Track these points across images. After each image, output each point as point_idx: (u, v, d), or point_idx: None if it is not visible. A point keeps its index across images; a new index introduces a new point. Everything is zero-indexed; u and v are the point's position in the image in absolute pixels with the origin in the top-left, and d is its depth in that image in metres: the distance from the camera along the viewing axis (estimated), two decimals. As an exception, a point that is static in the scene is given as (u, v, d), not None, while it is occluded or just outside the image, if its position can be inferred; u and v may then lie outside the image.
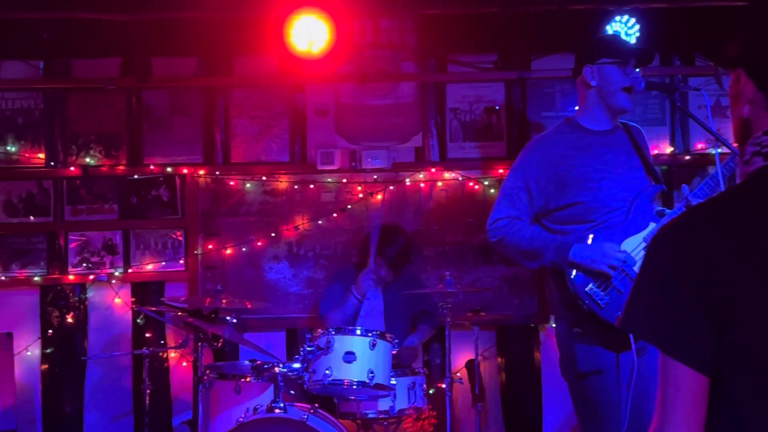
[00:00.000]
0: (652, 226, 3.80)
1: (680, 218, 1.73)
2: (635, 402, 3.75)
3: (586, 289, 3.69)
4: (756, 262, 1.61)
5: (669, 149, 5.88)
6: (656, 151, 5.77)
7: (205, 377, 4.79)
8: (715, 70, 5.90)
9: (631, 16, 5.17)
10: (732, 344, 1.60)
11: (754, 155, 1.71)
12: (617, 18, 5.17)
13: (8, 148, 5.86)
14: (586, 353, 3.77)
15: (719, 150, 3.76)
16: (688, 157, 5.85)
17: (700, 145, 5.89)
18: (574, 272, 3.73)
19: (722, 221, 1.68)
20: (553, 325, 4.88)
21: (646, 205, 3.86)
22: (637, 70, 3.94)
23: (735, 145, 3.58)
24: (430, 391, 5.10)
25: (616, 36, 5.03)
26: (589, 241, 3.80)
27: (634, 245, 3.77)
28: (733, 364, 1.62)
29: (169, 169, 5.84)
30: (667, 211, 3.92)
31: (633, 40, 5.12)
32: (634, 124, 4.11)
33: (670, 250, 1.70)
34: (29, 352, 5.75)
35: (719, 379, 1.63)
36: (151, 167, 5.86)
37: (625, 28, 5.19)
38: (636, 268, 3.68)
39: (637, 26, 5.18)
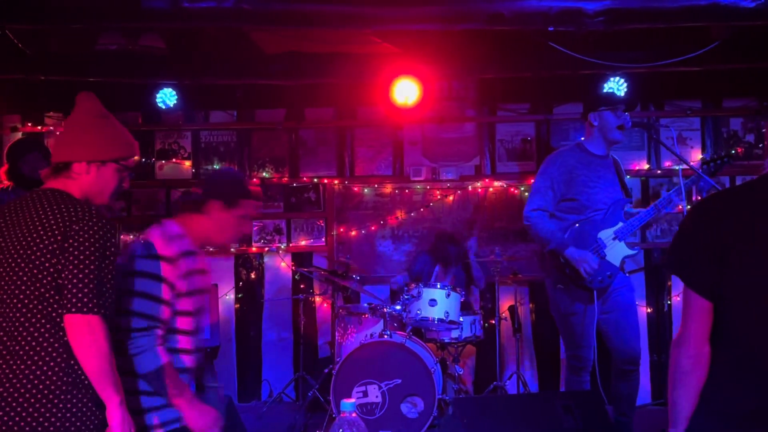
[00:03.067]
0: (620, 224, 3.92)
1: (702, 200, 1.83)
2: (617, 325, 3.90)
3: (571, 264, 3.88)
4: (745, 227, 1.70)
5: (646, 166, 5.86)
6: (638, 168, 5.83)
7: (339, 313, 4.98)
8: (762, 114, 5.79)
9: (620, 77, 5.22)
10: (725, 280, 1.71)
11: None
12: (611, 79, 5.22)
13: (215, 166, 6.01)
14: (566, 301, 3.96)
15: (681, 167, 3.85)
16: (659, 172, 5.85)
17: (667, 164, 5.86)
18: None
19: (728, 201, 1.77)
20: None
21: (618, 210, 3.99)
22: (626, 113, 3.99)
23: (693, 163, 3.72)
24: (485, 325, 5.18)
25: (611, 92, 5.09)
26: (568, 231, 3.88)
27: (607, 235, 3.91)
28: (726, 293, 1.72)
29: (315, 180, 5.99)
30: (635, 213, 4.02)
31: (622, 93, 5.16)
32: (616, 157, 4.18)
33: (693, 219, 1.79)
34: (228, 296, 5.94)
35: (719, 303, 1.74)
36: (304, 179, 6.00)
37: (616, 85, 5.23)
38: (606, 251, 3.86)
39: (625, 84, 5.23)
